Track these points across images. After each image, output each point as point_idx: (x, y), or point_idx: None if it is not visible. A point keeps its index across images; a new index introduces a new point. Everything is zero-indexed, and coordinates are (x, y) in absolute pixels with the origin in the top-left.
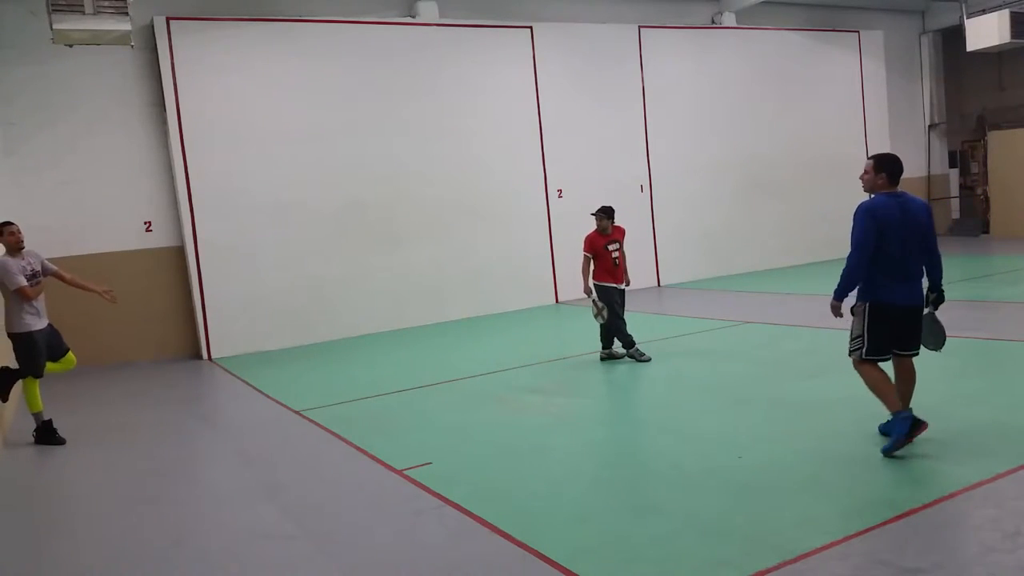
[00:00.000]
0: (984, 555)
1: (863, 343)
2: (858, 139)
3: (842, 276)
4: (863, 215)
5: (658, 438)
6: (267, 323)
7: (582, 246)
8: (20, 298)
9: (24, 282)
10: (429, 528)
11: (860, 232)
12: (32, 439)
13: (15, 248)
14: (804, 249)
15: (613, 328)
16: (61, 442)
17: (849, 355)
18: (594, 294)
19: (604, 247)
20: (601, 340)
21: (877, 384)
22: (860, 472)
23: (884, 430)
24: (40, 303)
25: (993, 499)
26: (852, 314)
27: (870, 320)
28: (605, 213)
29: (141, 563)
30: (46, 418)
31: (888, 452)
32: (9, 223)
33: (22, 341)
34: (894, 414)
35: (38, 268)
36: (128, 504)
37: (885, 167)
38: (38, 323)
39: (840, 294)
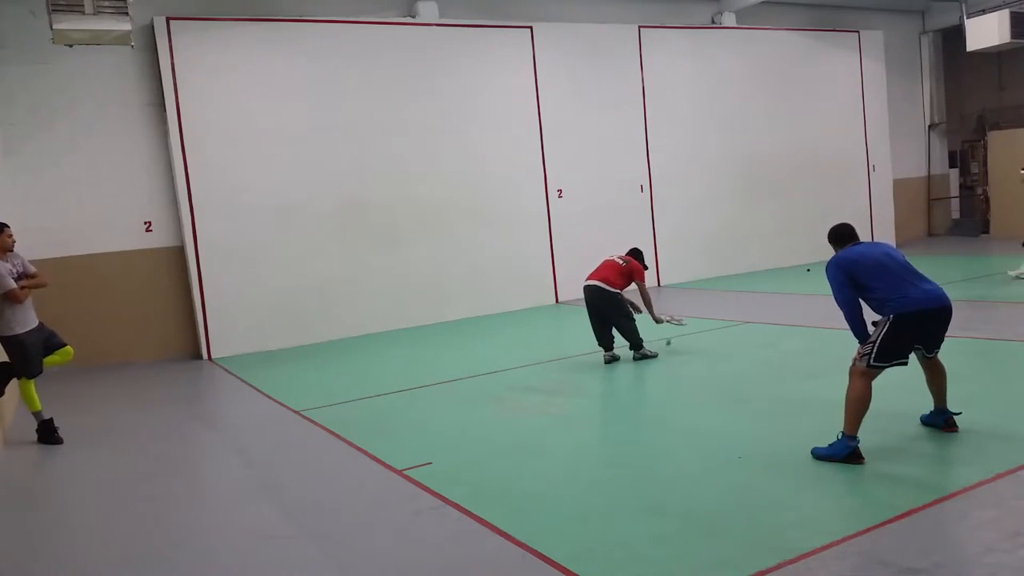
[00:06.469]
0: (984, 555)
1: (872, 349)
2: (858, 139)
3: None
4: (830, 270)
5: (658, 438)
6: (267, 323)
7: (639, 276)
8: (10, 301)
9: (14, 284)
10: (429, 528)
11: (835, 290)
12: (35, 438)
13: (5, 251)
14: (804, 249)
15: (630, 328)
16: (59, 442)
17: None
18: (667, 316)
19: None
20: (630, 340)
21: (858, 400)
22: (860, 472)
23: (926, 421)
24: (28, 303)
25: (993, 499)
26: (873, 326)
27: (890, 330)
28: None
29: (141, 563)
30: (46, 417)
31: (816, 455)
32: (6, 225)
33: (12, 344)
34: (846, 434)
35: (22, 270)
36: (128, 504)
37: (830, 240)
38: (27, 324)
39: (862, 340)
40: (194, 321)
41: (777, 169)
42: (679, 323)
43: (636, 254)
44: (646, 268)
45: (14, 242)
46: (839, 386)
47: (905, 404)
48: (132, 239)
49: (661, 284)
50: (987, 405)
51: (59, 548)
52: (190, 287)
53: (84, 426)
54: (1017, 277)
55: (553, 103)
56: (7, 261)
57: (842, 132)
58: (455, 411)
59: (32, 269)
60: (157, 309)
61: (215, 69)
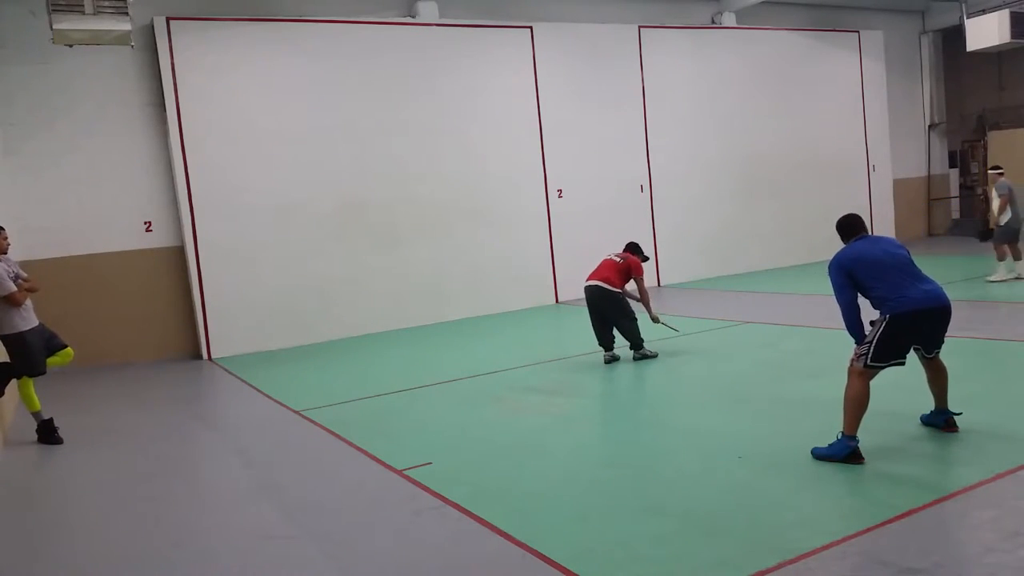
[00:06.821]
0: (984, 555)
1: (869, 349)
2: (858, 139)
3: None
4: (831, 271)
5: (658, 438)
6: (267, 323)
7: (637, 272)
8: (10, 303)
9: (14, 287)
10: (429, 528)
11: (835, 290)
12: (35, 438)
13: (1, 253)
14: (804, 249)
15: (631, 328)
16: (59, 442)
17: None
18: (663, 319)
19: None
20: (631, 340)
21: (856, 400)
22: (860, 472)
23: (926, 420)
24: (28, 304)
25: (993, 499)
26: (871, 325)
27: (886, 330)
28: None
29: (141, 563)
30: (45, 417)
31: (816, 455)
32: (2, 228)
33: (14, 342)
34: (845, 434)
35: (17, 271)
36: (128, 504)
37: (838, 231)
38: (28, 323)
39: (859, 341)
40: (194, 321)
41: (777, 169)
42: (675, 330)
43: (634, 248)
44: (646, 259)
45: (9, 245)
46: (839, 386)
47: (905, 404)
48: (132, 239)
49: (661, 284)
50: (987, 405)
51: (59, 548)
52: (190, 287)
53: (84, 426)
54: (1016, 278)
55: (553, 103)
56: (2, 263)
57: (842, 132)
58: (455, 411)
59: (23, 273)
60: (157, 309)
61: (215, 69)
